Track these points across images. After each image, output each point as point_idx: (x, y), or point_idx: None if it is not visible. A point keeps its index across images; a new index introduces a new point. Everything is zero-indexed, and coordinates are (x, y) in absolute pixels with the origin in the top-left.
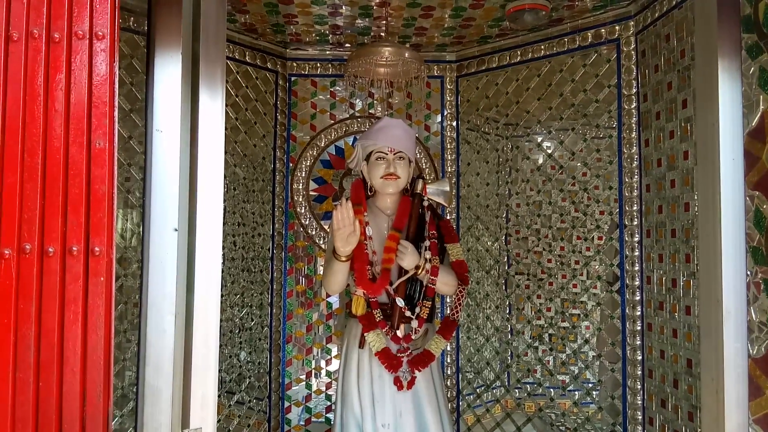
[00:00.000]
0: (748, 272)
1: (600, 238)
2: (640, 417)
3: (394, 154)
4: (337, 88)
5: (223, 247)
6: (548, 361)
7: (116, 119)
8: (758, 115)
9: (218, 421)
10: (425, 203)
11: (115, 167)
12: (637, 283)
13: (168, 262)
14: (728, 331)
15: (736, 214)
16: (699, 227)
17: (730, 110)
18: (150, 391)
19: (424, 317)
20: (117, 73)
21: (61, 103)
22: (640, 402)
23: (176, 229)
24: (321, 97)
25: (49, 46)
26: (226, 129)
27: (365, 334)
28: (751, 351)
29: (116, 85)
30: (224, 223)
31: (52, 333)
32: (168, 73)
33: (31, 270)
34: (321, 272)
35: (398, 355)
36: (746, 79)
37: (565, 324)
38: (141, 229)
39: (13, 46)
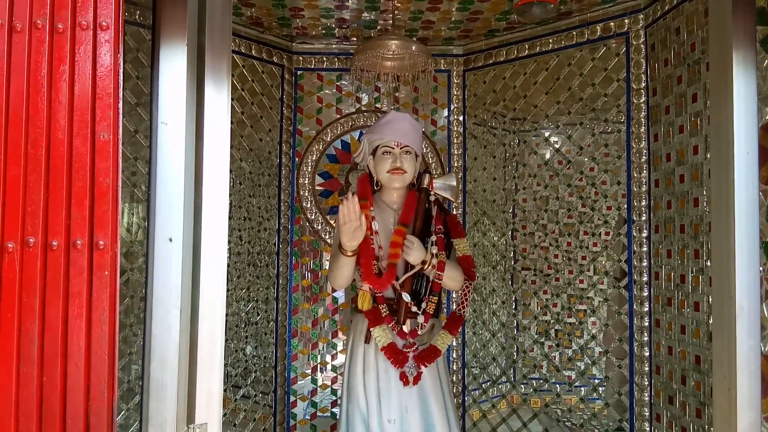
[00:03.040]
0: (761, 268)
1: (607, 234)
2: (647, 413)
3: (401, 149)
4: (344, 82)
5: (229, 242)
6: (554, 356)
7: (120, 111)
8: None
9: (224, 415)
10: (432, 198)
11: (120, 160)
12: (645, 278)
13: (173, 257)
14: (741, 328)
15: (750, 209)
16: (712, 223)
17: (745, 104)
18: (155, 386)
19: (431, 312)
20: (121, 64)
21: (65, 95)
22: (647, 398)
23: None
24: (327, 91)
25: (53, 37)
26: (231, 123)
27: (371, 329)
28: (763, 348)
29: (120, 77)
30: (230, 218)
31: (56, 327)
32: (173, 66)
33: (35, 264)
34: (327, 267)
35: (404, 350)
36: (760, 73)
37: (572, 320)
38: (146, 222)
39: (16, 37)
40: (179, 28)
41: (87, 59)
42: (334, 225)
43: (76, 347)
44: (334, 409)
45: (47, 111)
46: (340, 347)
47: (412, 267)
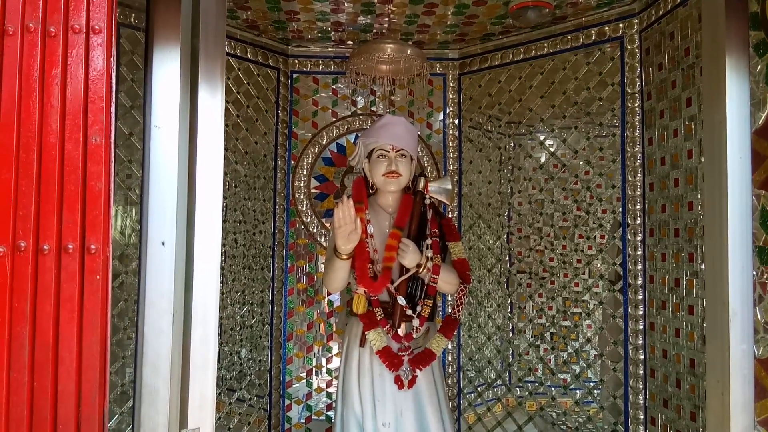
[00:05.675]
0: (754, 272)
1: (602, 237)
2: (642, 417)
3: (396, 152)
4: (339, 85)
5: (224, 245)
6: (550, 360)
7: (113, 115)
8: (765, 113)
9: (219, 418)
10: (427, 201)
11: (112, 163)
12: (639, 282)
13: (166, 261)
14: (734, 332)
15: (743, 213)
16: (705, 227)
17: (738, 108)
18: (147, 391)
19: (426, 316)
20: (114, 67)
21: (57, 99)
22: (642, 401)
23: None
24: (323, 94)
25: (45, 41)
26: (227, 126)
27: (366, 333)
28: (756, 352)
29: (113, 80)
30: (225, 221)
31: (47, 332)
32: (166, 69)
33: (26, 268)
34: (322, 270)
35: (399, 353)
36: (753, 77)
37: (567, 323)
38: (140, 226)
39: (8, 40)
40: (173, 32)
41: (79, 63)
42: (330, 228)
43: (67, 352)
44: (329, 413)
45: (39, 114)
46: (335, 350)
47: (408, 270)
